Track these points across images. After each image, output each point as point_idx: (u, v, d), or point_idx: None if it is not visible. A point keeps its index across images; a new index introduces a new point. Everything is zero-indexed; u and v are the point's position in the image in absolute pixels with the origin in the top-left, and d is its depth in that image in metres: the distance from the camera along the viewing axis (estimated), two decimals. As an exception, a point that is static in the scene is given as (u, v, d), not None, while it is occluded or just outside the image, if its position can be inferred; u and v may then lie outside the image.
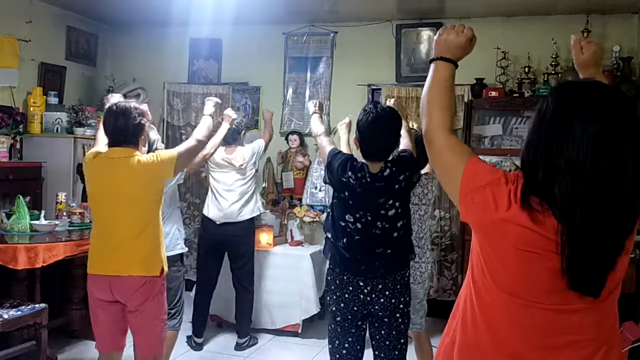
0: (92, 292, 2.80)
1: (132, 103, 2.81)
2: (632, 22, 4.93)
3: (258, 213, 4.58)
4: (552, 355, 1.32)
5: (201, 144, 3.09)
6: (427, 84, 1.55)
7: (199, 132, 3.11)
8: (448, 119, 1.50)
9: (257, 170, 4.61)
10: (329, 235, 2.72)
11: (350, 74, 5.54)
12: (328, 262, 2.76)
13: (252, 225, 4.51)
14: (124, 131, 2.73)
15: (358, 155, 2.71)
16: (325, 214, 3.38)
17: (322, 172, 3.49)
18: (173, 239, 3.46)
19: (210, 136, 3.29)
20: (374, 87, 5.54)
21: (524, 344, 1.33)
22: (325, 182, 2.82)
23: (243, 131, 4.47)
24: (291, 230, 5.23)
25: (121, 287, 2.71)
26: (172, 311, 3.45)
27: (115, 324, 2.81)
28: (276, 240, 5.00)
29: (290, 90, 5.79)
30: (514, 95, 4.90)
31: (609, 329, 1.36)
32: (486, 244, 1.36)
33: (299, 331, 4.71)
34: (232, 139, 4.33)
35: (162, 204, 2.85)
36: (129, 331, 2.89)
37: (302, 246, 5.02)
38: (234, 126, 4.28)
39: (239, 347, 4.45)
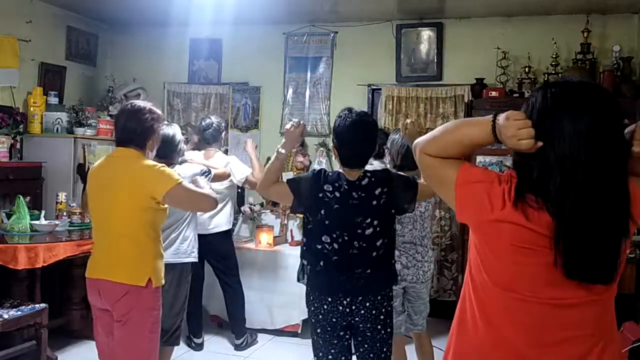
0: (89, 297, 2.69)
1: (149, 105, 2.69)
2: (632, 22, 4.93)
3: (227, 228, 4.39)
4: (551, 351, 1.33)
5: (207, 203, 2.74)
6: (466, 120, 1.50)
7: (210, 193, 2.80)
8: (447, 150, 1.43)
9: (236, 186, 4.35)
10: (305, 263, 2.63)
11: (351, 74, 5.54)
12: (306, 285, 2.66)
13: (227, 236, 4.41)
14: (132, 132, 2.61)
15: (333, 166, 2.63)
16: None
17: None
18: (191, 245, 3.36)
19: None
20: (374, 87, 5.54)
21: (523, 341, 1.34)
22: (294, 213, 2.67)
23: (223, 132, 4.42)
24: (291, 230, 5.22)
25: (106, 292, 2.56)
26: (173, 327, 3.27)
27: (110, 336, 2.64)
28: (276, 240, 5.00)
29: (290, 90, 5.78)
30: (514, 95, 4.90)
31: (606, 324, 1.37)
32: (483, 242, 1.38)
33: (299, 331, 4.71)
34: (213, 139, 4.29)
35: (158, 213, 2.63)
36: None
37: (302, 246, 5.02)
38: (214, 125, 4.27)
39: (238, 347, 4.45)
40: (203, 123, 4.39)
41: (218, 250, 4.36)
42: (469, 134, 1.40)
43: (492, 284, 1.37)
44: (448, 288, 5.26)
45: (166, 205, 2.65)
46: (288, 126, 2.66)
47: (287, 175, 5.45)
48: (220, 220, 4.29)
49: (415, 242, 3.23)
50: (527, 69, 4.94)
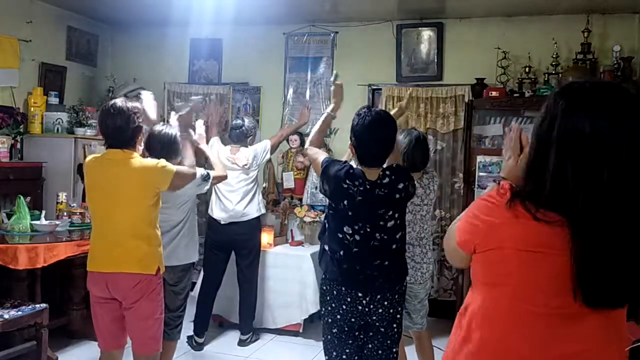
0: (90, 289, 2.85)
1: (129, 103, 2.79)
2: (633, 22, 4.93)
3: (262, 212, 4.62)
4: None
5: (190, 177, 3.03)
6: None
7: (188, 168, 3.04)
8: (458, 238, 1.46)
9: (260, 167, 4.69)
10: (326, 248, 2.65)
11: (351, 74, 5.52)
12: (323, 273, 2.69)
13: (257, 223, 4.57)
14: (123, 133, 2.74)
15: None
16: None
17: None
18: (191, 249, 3.43)
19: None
20: (375, 87, 5.54)
21: (530, 352, 1.29)
22: (322, 193, 2.72)
23: (251, 137, 4.53)
24: (292, 230, 5.23)
25: (117, 284, 2.74)
26: (176, 322, 3.40)
27: (114, 322, 2.84)
28: (277, 240, 5.00)
29: (290, 91, 5.79)
30: (515, 95, 4.90)
31: (618, 335, 1.33)
32: (485, 254, 1.34)
33: (300, 330, 4.71)
34: (238, 139, 4.46)
35: (158, 207, 2.85)
36: None
37: (303, 246, 5.03)
38: (243, 129, 4.44)
39: (242, 343, 4.48)
40: (233, 122, 4.59)
41: (247, 239, 4.48)
42: None
43: (499, 294, 1.32)
44: (448, 288, 5.26)
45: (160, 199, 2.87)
46: (339, 81, 2.90)
47: (288, 175, 5.47)
48: (250, 209, 4.45)
49: (413, 243, 3.22)
50: (527, 69, 4.94)
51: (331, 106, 2.93)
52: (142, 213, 2.78)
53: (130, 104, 2.79)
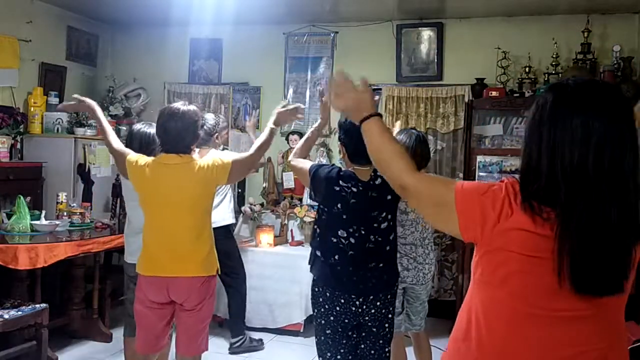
0: (145, 293, 2.76)
1: (191, 107, 2.75)
2: (633, 22, 4.93)
3: (229, 222, 4.35)
4: None
5: (258, 156, 2.96)
6: (368, 144, 1.56)
7: (260, 144, 2.90)
8: (409, 162, 1.46)
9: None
10: (319, 254, 2.63)
11: (351, 74, 5.48)
12: (315, 277, 2.67)
13: (226, 231, 4.26)
14: (182, 140, 2.70)
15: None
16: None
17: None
18: None
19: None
20: (375, 87, 5.53)
21: (532, 355, 1.29)
22: (311, 199, 2.71)
23: (216, 134, 4.15)
24: (292, 230, 5.22)
25: (179, 288, 2.71)
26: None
27: (165, 327, 2.83)
28: (277, 240, 5.00)
29: (290, 91, 5.79)
30: (515, 95, 4.90)
31: (616, 332, 1.33)
32: (490, 254, 1.34)
33: (301, 330, 4.71)
34: (203, 140, 3.94)
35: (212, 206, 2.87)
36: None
37: (303, 246, 5.02)
38: (206, 127, 4.01)
39: (231, 347, 4.33)
40: None
41: (218, 248, 4.30)
42: (379, 136, 1.56)
43: (500, 295, 1.32)
44: (448, 288, 5.26)
45: None
46: (324, 99, 2.84)
47: (288, 175, 5.46)
48: (218, 216, 4.10)
49: (416, 243, 3.23)
50: (527, 69, 4.94)
51: (318, 122, 2.91)
52: (201, 215, 2.78)
53: (192, 108, 2.75)
